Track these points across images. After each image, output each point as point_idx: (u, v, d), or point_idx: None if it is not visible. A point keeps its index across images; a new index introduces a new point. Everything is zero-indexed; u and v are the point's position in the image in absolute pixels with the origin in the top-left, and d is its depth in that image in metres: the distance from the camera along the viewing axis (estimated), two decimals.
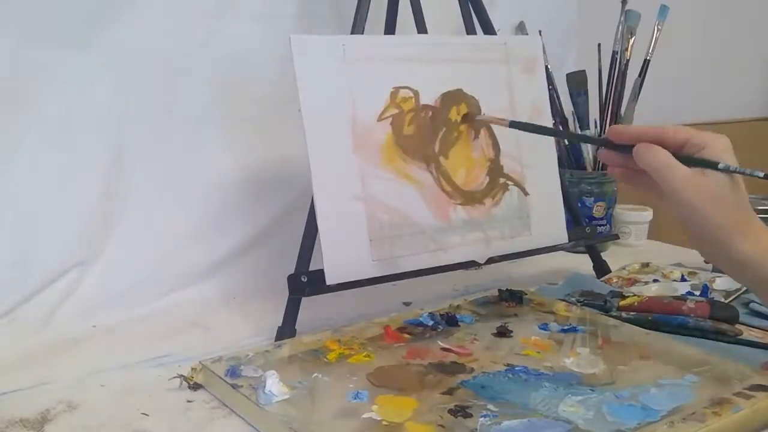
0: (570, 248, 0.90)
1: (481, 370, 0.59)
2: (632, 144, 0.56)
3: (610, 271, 0.89)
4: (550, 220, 0.79)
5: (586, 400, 0.54)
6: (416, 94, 0.71)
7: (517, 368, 0.60)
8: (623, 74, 1.02)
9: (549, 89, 0.98)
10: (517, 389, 0.56)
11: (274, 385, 0.54)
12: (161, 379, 0.61)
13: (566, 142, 1.02)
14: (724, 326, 0.68)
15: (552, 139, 0.83)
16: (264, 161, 0.85)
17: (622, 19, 1.02)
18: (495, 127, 0.76)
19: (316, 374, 0.58)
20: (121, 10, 0.75)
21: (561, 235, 0.81)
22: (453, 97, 0.74)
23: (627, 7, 1.02)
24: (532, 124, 0.70)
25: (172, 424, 0.54)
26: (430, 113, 0.72)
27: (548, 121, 0.82)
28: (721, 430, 0.51)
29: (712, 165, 0.53)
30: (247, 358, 0.60)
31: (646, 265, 0.91)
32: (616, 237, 1.00)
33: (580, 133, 0.64)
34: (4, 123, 0.71)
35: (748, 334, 0.68)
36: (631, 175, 0.58)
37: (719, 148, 0.53)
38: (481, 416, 0.51)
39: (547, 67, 0.99)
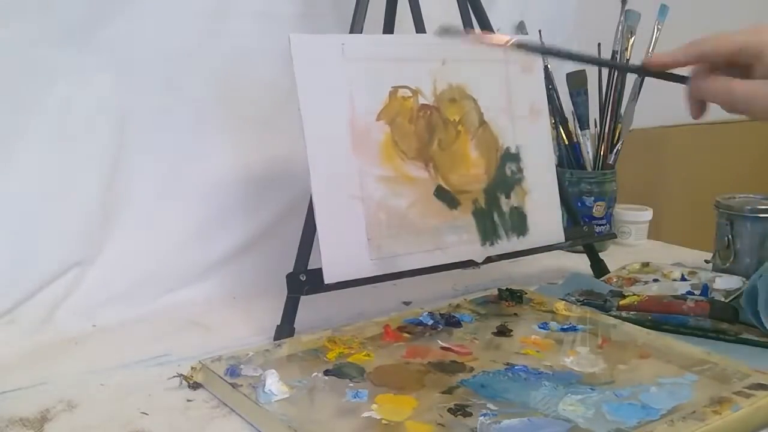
0: (568, 247, 0.90)
1: (481, 369, 0.59)
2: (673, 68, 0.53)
3: (609, 271, 0.88)
4: (547, 220, 0.80)
5: (586, 399, 0.54)
6: (415, 93, 0.71)
7: (516, 367, 0.60)
8: (623, 74, 1.02)
9: (549, 89, 0.98)
10: (516, 388, 0.56)
11: (274, 384, 0.54)
12: (161, 378, 0.61)
13: (566, 142, 1.02)
14: (724, 325, 0.68)
15: (550, 138, 0.83)
16: (263, 160, 0.85)
17: (622, 18, 1.02)
18: (494, 126, 0.76)
19: (315, 373, 0.58)
20: (121, 9, 0.75)
21: (558, 235, 0.81)
22: (451, 96, 0.74)
23: (627, 7, 1.02)
24: (541, 46, 0.58)
25: (172, 424, 0.54)
26: (429, 112, 0.72)
27: (546, 122, 0.82)
28: (721, 429, 0.51)
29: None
30: (247, 357, 0.60)
31: (646, 264, 0.91)
32: (614, 236, 1.00)
33: (607, 59, 0.57)
34: (4, 122, 0.71)
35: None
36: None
37: None
38: (481, 415, 0.51)
39: (547, 67, 0.99)
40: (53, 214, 0.74)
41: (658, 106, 1.18)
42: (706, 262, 0.90)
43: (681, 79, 0.53)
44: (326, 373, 0.58)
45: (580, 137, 1.02)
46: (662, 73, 0.54)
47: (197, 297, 0.81)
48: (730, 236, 0.86)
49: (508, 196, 0.77)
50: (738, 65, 0.51)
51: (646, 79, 1.01)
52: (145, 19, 0.76)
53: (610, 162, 1.01)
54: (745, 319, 0.68)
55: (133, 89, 0.77)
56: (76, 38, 0.73)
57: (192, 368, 0.60)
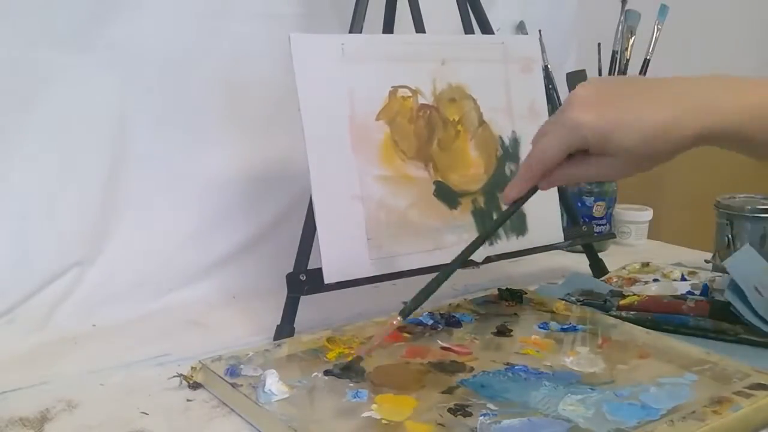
0: (567, 247, 0.90)
1: (481, 369, 0.59)
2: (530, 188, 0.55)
3: (608, 271, 0.88)
4: (546, 220, 0.80)
5: (586, 398, 0.54)
6: (415, 93, 0.71)
7: (516, 367, 0.60)
8: (623, 74, 1.02)
9: (549, 89, 0.98)
10: (516, 388, 0.56)
11: (274, 384, 0.54)
12: (161, 378, 0.61)
13: None
14: (724, 325, 0.68)
15: None
16: (263, 160, 0.85)
17: (622, 18, 1.02)
18: (494, 127, 0.76)
19: (315, 373, 0.58)
20: (122, 9, 0.75)
21: (557, 234, 0.81)
22: (451, 96, 0.74)
23: (627, 7, 1.02)
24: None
25: (172, 423, 0.54)
26: (429, 112, 0.72)
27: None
28: (721, 429, 0.51)
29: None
30: (247, 357, 0.60)
31: (646, 264, 0.91)
32: (613, 236, 1.00)
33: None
34: (4, 123, 0.71)
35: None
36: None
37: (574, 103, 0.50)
38: (481, 415, 0.51)
39: (547, 67, 0.99)
40: (53, 214, 0.74)
41: None
42: (706, 262, 0.90)
43: (533, 191, 0.55)
44: (326, 373, 0.58)
45: None
46: (520, 200, 0.56)
47: (197, 297, 0.81)
48: (730, 236, 0.86)
49: None
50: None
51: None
52: (146, 20, 0.76)
53: None
54: (744, 320, 0.68)
55: (133, 89, 0.77)
56: (76, 38, 0.73)
57: (192, 368, 0.60)
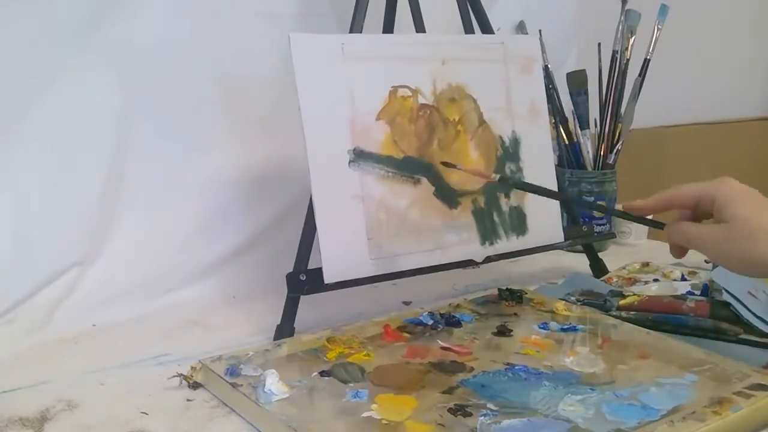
0: (567, 247, 0.90)
1: (481, 369, 0.59)
2: (648, 214, 0.59)
3: (608, 271, 0.88)
4: (546, 219, 0.80)
5: (586, 399, 0.54)
6: (415, 93, 0.71)
7: (516, 367, 0.60)
8: (623, 74, 1.02)
9: (549, 89, 0.98)
10: (516, 388, 0.56)
11: (274, 383, 0.54)
12: (161, 378, 0.61)
13: (566, 142, 1.03)
14: (725, 325, 0.68)
15: (549, 138, 0.83)
16: (263, 160, 0.85)
17: (622, 18, 1.02)
18: (494, 127, 0.76)
19: (315, 373, 0.58)
20: (122, 9, 0.75)
21: (557, 234, 0.81)
22: (451, 96, 0.74)
23: (627, 7, 1.02)
24: (524, 183, 0.68)
25: (172, 423, 0.54)
26: (429, 112, 0.72)
27: (546, 121, 0.82)
28: (721, 430, 0.51)
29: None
30: (247, 357, 0.60)
31: (647, 264, 0.91)
32: (613, 236, 1.00)
33: (587, 200, 0.66)
34: (4, 123, 0.71)
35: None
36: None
37: (726, 194, 0.54)
38: (481, 415, 0.51)
39: (547, 67, 0.99)
40: (53, 214, 0.74)
41: (658, 106, 1.18)
42: (706, 262, 0.90)
43: (658, 225, 0.59)
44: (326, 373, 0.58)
45: (580, 137, 1.02)
46: (641, 217, 0.60)
47: (197, 297, 0.81)
48: None
49: (507, 196, 0.77)
50: (705, 212, 0.57)
51: (646, 79, 1.02)
52: (145, 19, 0.76)
53: (610, 162, 1.01)
54: (744, 320, 0.68)
55: (133, 89, 0.77)
56: (76, 38, 0.73)
57: (192, 368, 0.60)
